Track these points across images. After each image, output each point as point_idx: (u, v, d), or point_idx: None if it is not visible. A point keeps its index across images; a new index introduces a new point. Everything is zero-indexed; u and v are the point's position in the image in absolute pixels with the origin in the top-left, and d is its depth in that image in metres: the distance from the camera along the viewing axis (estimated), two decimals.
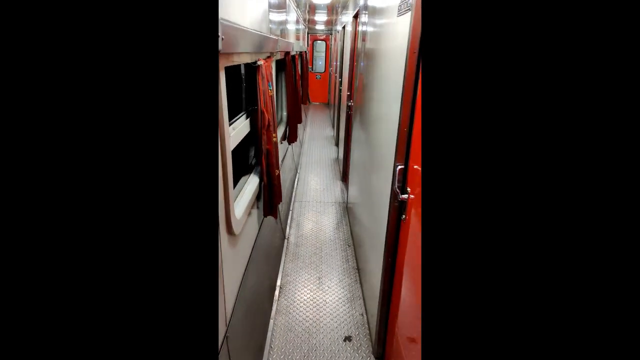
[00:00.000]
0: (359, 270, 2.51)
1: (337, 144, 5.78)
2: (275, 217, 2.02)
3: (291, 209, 3.50)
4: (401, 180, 1.47)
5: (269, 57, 1.96)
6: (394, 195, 1.49)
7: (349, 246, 2.87)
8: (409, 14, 1.38)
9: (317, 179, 4.41)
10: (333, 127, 7.02)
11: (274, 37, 2.10)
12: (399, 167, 1.45)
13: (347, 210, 3.51)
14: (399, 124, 1.44)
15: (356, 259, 2.66)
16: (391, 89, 1.65)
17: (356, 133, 3.05)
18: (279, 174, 2.05)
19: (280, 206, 2.86)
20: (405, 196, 1.42)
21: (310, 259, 2.66)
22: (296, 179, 4.32)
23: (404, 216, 1.47)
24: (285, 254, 2.71)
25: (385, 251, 1.61)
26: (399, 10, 1.55)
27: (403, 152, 1.45)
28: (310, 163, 5.07)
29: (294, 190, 3.97)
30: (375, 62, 2.19)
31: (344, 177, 4.27)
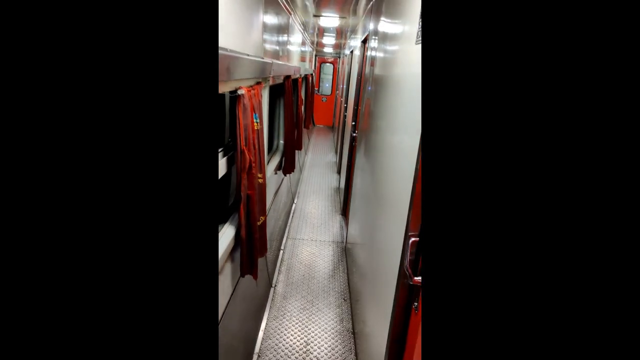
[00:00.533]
0: (355, 334, 2.12)
1: (339, 172, 5.45)
2: (255, 276, 1.66)
3: (282, 248, 3.13)
4: (414, 254, 1.11)
5: (259, 83, 1.65)
6: (402, 275, 1.13)
7: (344, 300, 2.47)
8: None
9: (315, 212, 4.05)
10: (336, 152, 6.72)
11: (267, 60, 1.80)
12: (413, 239, 1.09)
13: (345, 252, 3.13)
14: (414, 180, 1.10)
15: (352, 319, 2.26)
16: (405, 121, 1.32)
17: (360, 163, 2.71)
18: (263, 222, 1.70)
19: (269, 246, 2.50)
20: (419, 279, 1.06)
21: (298, 316, 2.26)
22: (292, 212, 3.96)
23: (415, 304, 1.10)
24: (270, 308, 2.32)
25: (387, 349, 1.23)
26: (418, 36, 1.24)
27: (418, 217, 1.10)
28: (308, 192, 4.72)
29: (288, 225, 3.61)
30: (385, 90, 1.87)
31: (344, 211, 3.91)
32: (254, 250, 1.60)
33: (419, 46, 1.21)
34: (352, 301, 2.42)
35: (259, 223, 1.62)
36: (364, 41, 3.33)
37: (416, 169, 1.09)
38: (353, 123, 3.45)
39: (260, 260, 2.00)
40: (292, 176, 4.22)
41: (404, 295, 1.14)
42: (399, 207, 1.26)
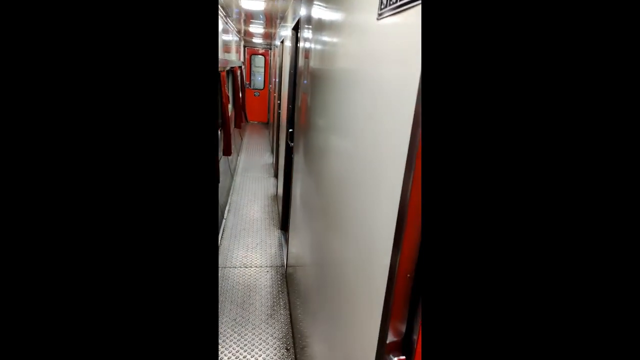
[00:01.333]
0: None
1: (276, 175, 4.92)
2: None
3: None
4: None
5: None
6: None
7: (287, 350, 1.99)
8: (415, 10, 0.60)
9: (249, 228, 3.48)
10: (272, 152, 6.15)
11: None
12: (396, 359, 0.63)
13: (286, 279, 2.64)
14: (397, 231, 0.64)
15: None
16: (386, 137, 0.86)
17: (299, 168, 2.22)
18: None
19: None
20: None
21: None
22: (221, 231, 3.35)
23: None
24: None
25: None
26: (381, 7, 0.77)
27: (402, 313, 0.65)
28: (241, 203, 4.12)
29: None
30: (330, 85, 1.40)
31: (284, 224, 3.41)
32: None
33: (383, 21, 0.74)
34: (296, 349, 1.95)
35: None
36: (295, 28, 2.83)
37: (401, 211, 0.63)
38: (290, 130, 2.93)
39: None
40: (222, 185, 3.60)
41: None
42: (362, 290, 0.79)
